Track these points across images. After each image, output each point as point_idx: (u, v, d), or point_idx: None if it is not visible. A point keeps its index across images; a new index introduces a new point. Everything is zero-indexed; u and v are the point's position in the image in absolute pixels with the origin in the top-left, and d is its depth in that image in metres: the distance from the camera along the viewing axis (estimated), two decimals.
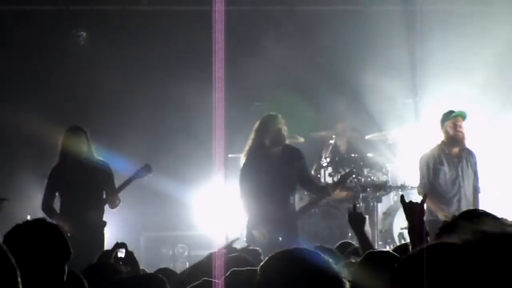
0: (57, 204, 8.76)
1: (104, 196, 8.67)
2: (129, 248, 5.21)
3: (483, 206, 9.39)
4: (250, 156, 8.85)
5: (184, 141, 11.94)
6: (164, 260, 11.57)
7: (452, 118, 9.44)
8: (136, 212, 11.53)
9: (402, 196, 4.91)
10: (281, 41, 11.94)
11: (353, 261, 5.00)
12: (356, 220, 4.77)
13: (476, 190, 9.63)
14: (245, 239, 8.78)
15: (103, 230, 8.84)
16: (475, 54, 11.58)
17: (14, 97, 11.35)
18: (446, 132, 9.48)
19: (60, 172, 8.60)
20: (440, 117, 9.56)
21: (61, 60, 11.61)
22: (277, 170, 8.77)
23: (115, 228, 10.09)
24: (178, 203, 12.13)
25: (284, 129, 8.91)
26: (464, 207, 9.01)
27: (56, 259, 3.65)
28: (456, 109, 9.53)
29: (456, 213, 8.36)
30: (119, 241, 5.24)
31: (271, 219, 8.62)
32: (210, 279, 4.07)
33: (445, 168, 9.46)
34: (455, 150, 9.49)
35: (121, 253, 5.15)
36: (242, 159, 8.97)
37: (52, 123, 10.32)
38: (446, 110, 9.56)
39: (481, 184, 9.66)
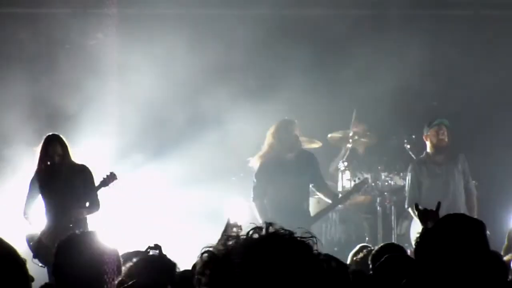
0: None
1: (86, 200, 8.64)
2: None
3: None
4: (265, 160, 8.85)
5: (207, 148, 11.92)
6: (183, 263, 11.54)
7: (434, 127, 9.50)
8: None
9: (416, 204, 4.94)
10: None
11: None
12: None
13: (468, 192, 9.63)
14: None
15: None
16: None
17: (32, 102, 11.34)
18: (430, 141, 9.54)
19: (38, 178, 8.63)
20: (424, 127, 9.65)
21: (80, 62, 11.60)
22: (292, 175, 8.76)
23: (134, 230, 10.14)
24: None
25: (300, 135, 8.90)
26: (457, 211, 9.05)
27: None
28: (438, 117, 9.59)
29: None
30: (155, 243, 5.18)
31: (284, 224, 8.60)
32: None
33: (429, 180, 9.50)
34: (440, 158, 9.53)
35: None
36: (256, 162, 8.96)
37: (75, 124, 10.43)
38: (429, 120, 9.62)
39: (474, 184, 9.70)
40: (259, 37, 11.53)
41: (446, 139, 9.54)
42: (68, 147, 8.63)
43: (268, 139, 8.93)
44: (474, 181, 9.86)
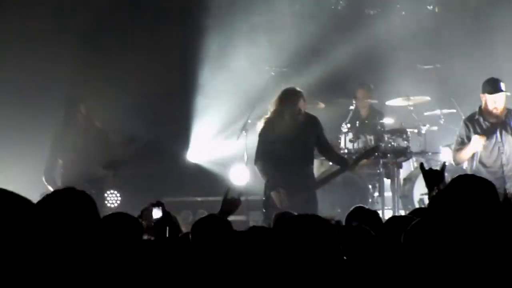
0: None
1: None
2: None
3: None
4: (269, 124, 8.86)
5: (203, 107, 11.96)
6: (185, 225, 11.62)
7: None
8: (157, 177, 11.59)
9: (421, 164, 4.95)
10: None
11: None
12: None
13: None
14: (263, 199, 8.85)
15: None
16: None
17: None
18: (485, 102, 9.29)
19: (61, 140, 8.69)
20: (482, 83, 9.35)
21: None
22: (295, 139, 8.76)
23: (135, 194, 10.14)
24: (199, 168, 12.18)
25: (304, 106, 8.89)
26: (507, 172, 9.12)
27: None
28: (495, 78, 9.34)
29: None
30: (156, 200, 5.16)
31: (289, 187, 8.65)
32: None
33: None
34: (493, 117, 9.30)
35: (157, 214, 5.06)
36: (260, 125, 8.98)
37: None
38: (488, 78, 9.35)
39: None
40: None
41: (501, 105, 9.30)
42: (91, 110, 8.68)
43: (272, 107, 8.93)
44: None
